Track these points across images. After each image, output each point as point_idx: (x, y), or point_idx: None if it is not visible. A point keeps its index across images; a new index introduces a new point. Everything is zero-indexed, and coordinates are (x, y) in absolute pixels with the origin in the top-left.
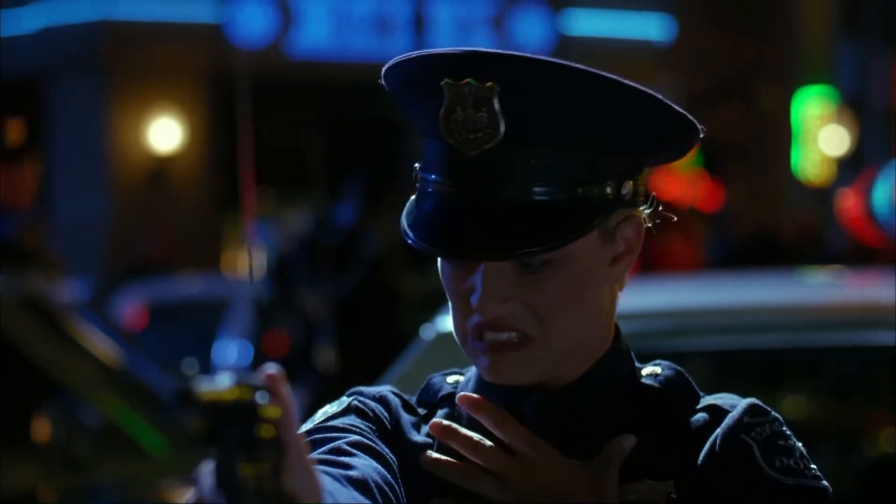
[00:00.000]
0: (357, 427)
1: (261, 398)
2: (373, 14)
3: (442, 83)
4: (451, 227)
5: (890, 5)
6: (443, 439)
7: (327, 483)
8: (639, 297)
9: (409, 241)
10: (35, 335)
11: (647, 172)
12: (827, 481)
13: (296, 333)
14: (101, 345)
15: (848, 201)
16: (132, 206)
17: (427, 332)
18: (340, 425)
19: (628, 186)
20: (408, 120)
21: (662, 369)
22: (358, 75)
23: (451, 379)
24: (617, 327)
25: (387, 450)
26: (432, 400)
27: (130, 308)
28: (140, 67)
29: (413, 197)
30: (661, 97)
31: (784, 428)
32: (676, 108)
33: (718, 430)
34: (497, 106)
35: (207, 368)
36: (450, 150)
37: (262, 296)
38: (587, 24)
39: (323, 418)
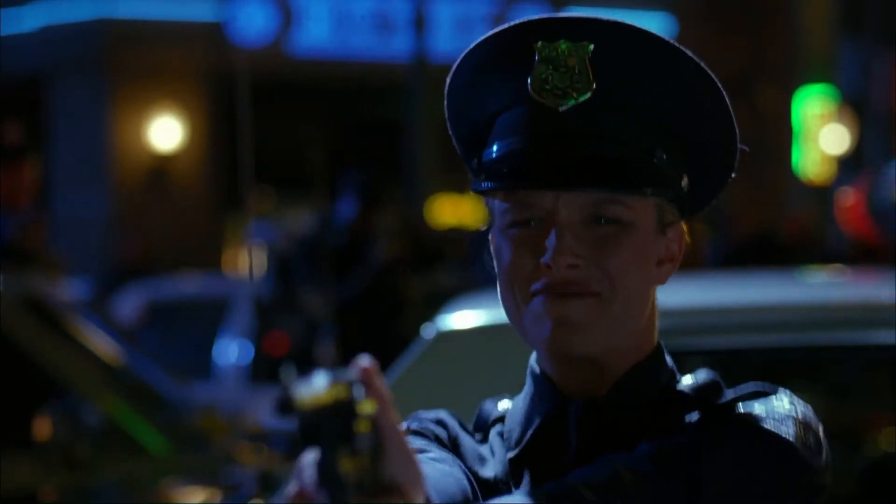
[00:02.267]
0: (416, 443)
1: (357, 393)
2: (373, 13)
3: (536, 45)
4: (530, 168)
5: (891, 5)
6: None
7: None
8: None
9: (489, 187)
10: (36, 335)
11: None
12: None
13: (296, 333)
14: (101, 344)
15: (848, 200)
16: (132, 205)
17: (428, 332)
18: None
19: (686, 183)
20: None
21: (698, 376)
22: (358, 74)
23: (501, 405)
24: (658, 340)
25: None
26: (484, 424)
27: (130, 307)
28: (140, 66)
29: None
30: (727, 99)
31: (781, 395)
32: (732, 114)
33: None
34: (589, 63)
35: (208, 368)
36: (537, 109)
37: (263, 295)
38: None
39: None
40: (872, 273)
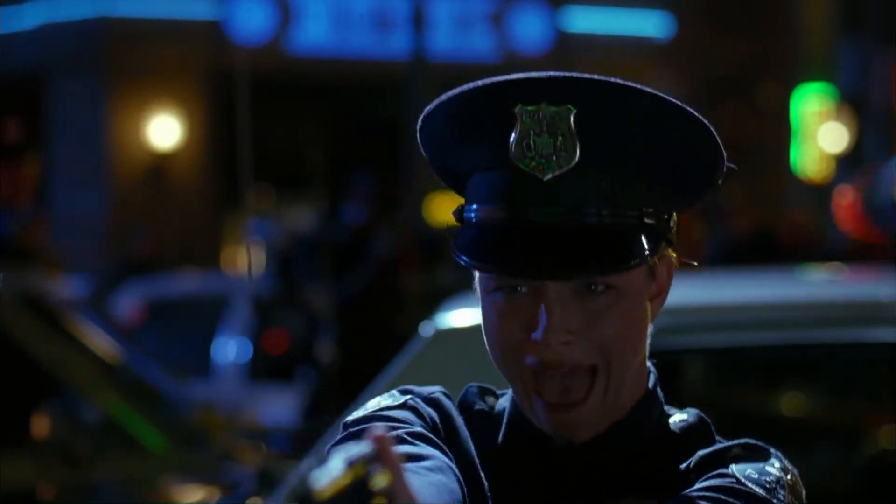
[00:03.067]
0: (414, 423)
1: (372, 468)
2: (372, 11)
3: (515, 109)
4: (518, 250)
5: (890, 4)
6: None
7: (419, 488)
8: None
9: (470, 265)
10: (35, 333)
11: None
12: (826, 478)
13: (295, 331)
14: (100, 342)
15: (846, 198)
16: (132, 203)
17: (426, 330)
18: (398, 416)
19: (675, 220)
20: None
21: (688, 417)
22: (357, 72)
23: (487, 399)
24: (649, 370)
25: (445, 447)
26: (469, 410)
27: (129, 305)
28: (139, 64)
29: (460, 231)
30: (714, 131)
31: (772, 460)
32: (720, 143)
33: (703, 451)
34: (573, 128)
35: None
36: (519, 177)
37: (262, 293)
38: (586, 20)
39: (377, 408)
40: (870, 271)
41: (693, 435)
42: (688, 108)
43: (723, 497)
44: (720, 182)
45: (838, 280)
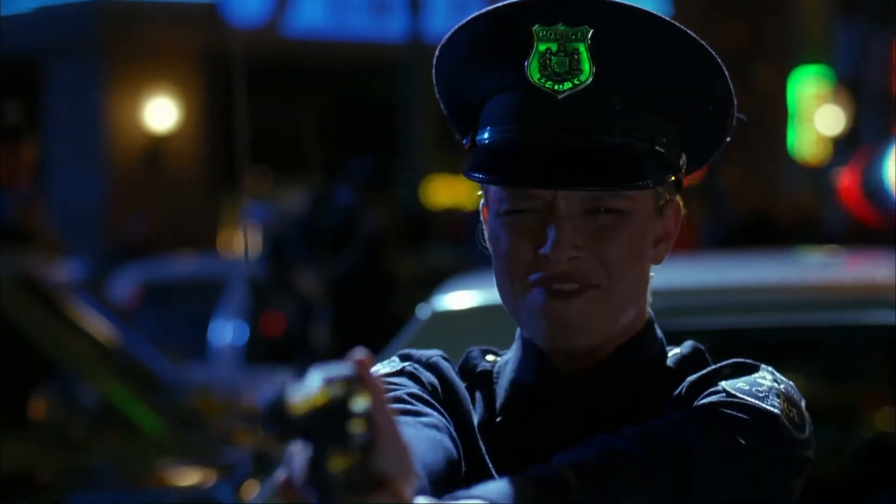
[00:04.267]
0: (411, 387)
1: (351, 389)
2: None
3: (533, 28)
4: (531, 164)
5: None
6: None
7: (412, 438)
8: None
9: (482, 179)
10: (32, 315)
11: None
12: (823, 461)
13: (292, 314)
14: (97, 325)
15: (844, 180)
16: (128, 185)
17: (423, 312)
18: (396, 381)
19: (684, 161)
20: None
21: (682, 349)
22: (354, 55)
23: (489, 357)
24: (649, 313)
25: (443, 411)
26: (470, 374)
27: (126, 288)
28: (136, 47)
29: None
30: (728, 76)
31: (763, 373)
32: (732, 89)
33: (693, 376)
34: (588, 48)
35: (204, 348)
36: (535, 95)
37: (258, 276)
38: None
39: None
40: (868, 253)
41: (687, 365)
42: (703, 43)
43: (716, 410)
44: (729, 135)
45: (836, 262)
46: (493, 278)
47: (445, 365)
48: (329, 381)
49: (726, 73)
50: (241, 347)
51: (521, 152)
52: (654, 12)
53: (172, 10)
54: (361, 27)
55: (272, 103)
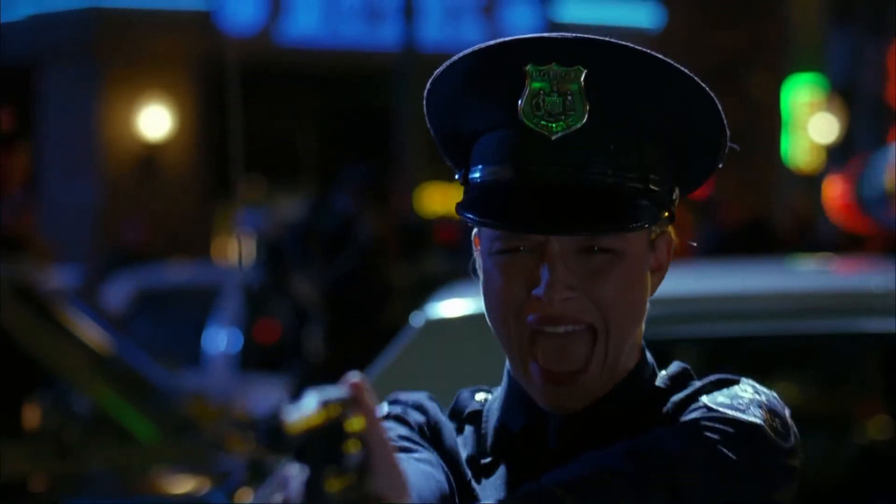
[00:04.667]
0: (400, 429)
1: (346, 411)
2: (363, 1)
3: (526, 68)
4: (524, 206)
5: None
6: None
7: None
8: None
9: (474, 222)
10: (25, 322)
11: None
12: (816, 468)
13: (286, 320)
14: (91, 332)
15: (835, 189)
16: (122, 193)
17: (417, 320)
18: (386, 426)
19: (676, 193)
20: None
21: (670, 369)
22: (348, 63)
23: (478, 396)
24: (642, 344)
25: (432, 449)
26: (460, 415)
27: (120, 295)
28: (130, 54)
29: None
30: (720, 106)
31: (743, 386)
32: (724, 120)
33: (677, 396)
34: (582, 88)
35: (198, 356)
36: (528, 135)
37: (253, 283)
38: (577, 11)
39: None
40: (860, 262)
41: (674, 385)
42: (696, 79)
43: (698, 424)
44: (721, 163)
45: (829, 270)
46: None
47: (431, 405)
48: (325, 403)
49: (719, 106)
50: (235, 355)
51: (513, 193)
52: (648, 50)
53: (166, 17)
54: (355, 35)
55: (266, 111)
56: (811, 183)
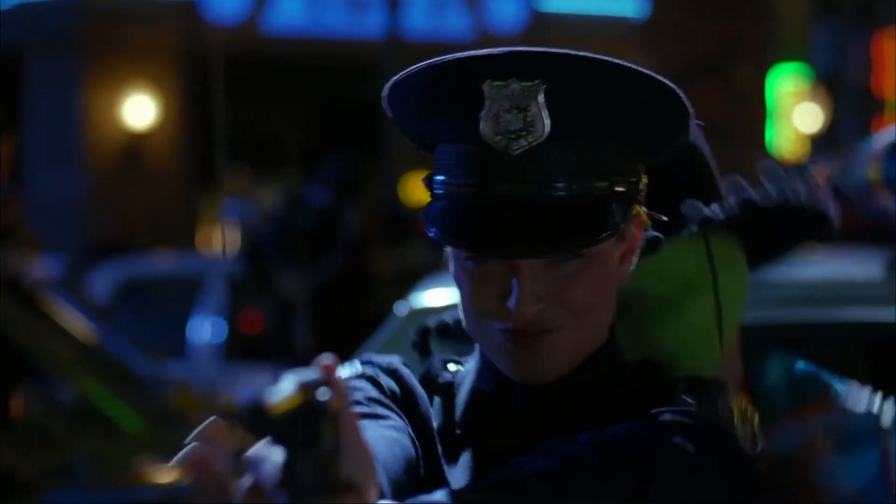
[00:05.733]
0: (370, 391)
1: (321, 393)
2: None
3: (483, 85)
4: (487, 227)
5: None
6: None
7: (371, 438)
8: None
9: (440, 239)
10: (11, 313)
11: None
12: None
13: (269, 312)
14: (76, 323)
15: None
16: (106, 183)
17: (401, 309)
18: (356, 385)
19: (644, 182)
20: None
21: (643, 359)
22: (332, 52)
23: (450, 366)
24: (613, 320)
25: (402, 414)
26: (430, 384)
27: (104, 285)
28: (115, 44)
29: (429, 203)
30: (680, 92)
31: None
32: (688, 104)
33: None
34: (542, 103)
35: (182, 346)
36: (489, 152)
37: (237, 273)
38: (562, 1)
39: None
40: (842, 251)
41: (646, 375)
42: (653, 75)
43: (671, 423)
44: (684, 136)
45: (810, 260)
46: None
47: (405, 371)
48: (302, 385)
49: (679, 93)
50: (219, 345)
51: (478, 211)
52: (604, 57)
53: (151, 7)
54: (340, 24)
55: (251, 101)
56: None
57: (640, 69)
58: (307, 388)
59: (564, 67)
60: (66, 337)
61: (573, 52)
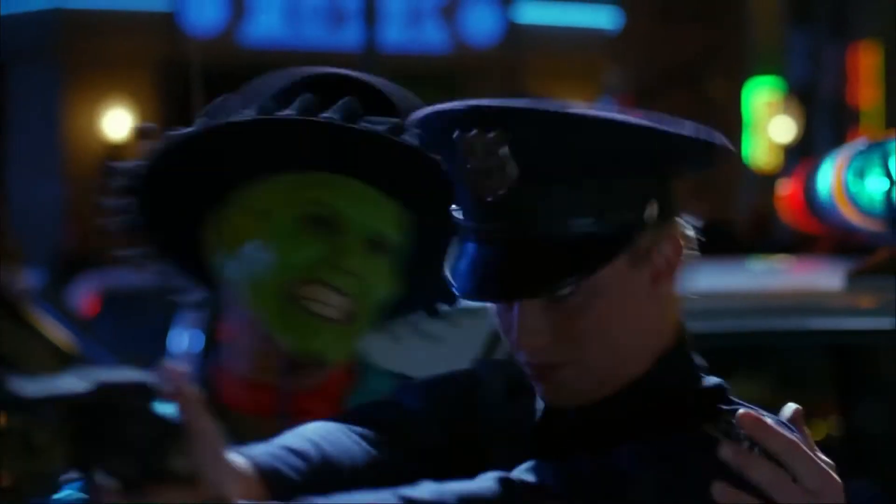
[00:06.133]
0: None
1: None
2: (324, 3)
3: (454, 135)
4: (480, 271)
5: None
6: (753, 432)
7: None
8: None
9: (455, 290)
10: None
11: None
12: None
13: None
14: (58, 333)
15: (788, 189)
16: (85, 194)
17: None
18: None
19: (653, 208)
20: None
21: (707, 382)
22: (310, 64)
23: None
24: (680, 347)
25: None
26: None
27: (84, 295)
28: (94, 56)
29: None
30: (661, 126)
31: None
32: (681, 132)
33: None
34: (506, 153)
35: (163, 356)
36: (472, 195)
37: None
38: (537, 13)
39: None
40: (813, 262)
41: (703, 399)
42: (622, 119)
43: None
44: (712, 149)
45: (781, 271)
46: None
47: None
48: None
49: (651, 127)
50: (198, 355)
51: (467, 254)
52: (566, 106)
53: (130, 19)
54: (317, 37)
55: None
56: (771, 183)
57: (602, 114)
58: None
59: (525, 119)
60: (50, 347)
61: (531, 106)
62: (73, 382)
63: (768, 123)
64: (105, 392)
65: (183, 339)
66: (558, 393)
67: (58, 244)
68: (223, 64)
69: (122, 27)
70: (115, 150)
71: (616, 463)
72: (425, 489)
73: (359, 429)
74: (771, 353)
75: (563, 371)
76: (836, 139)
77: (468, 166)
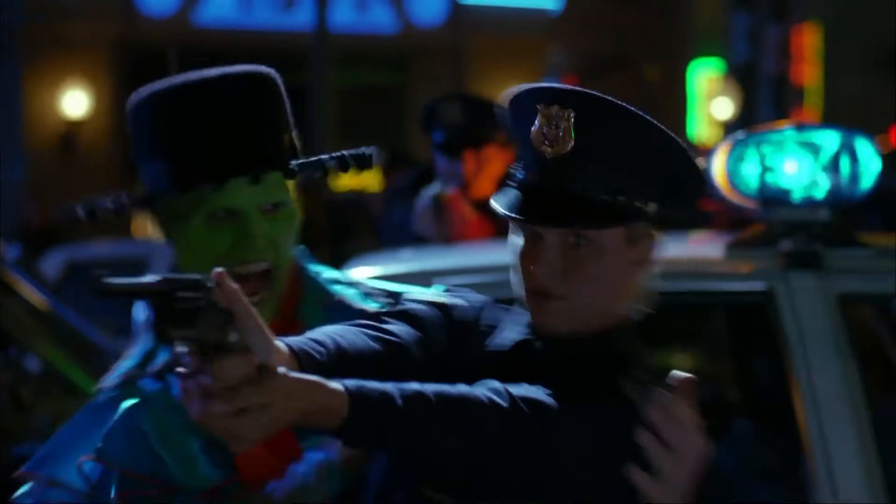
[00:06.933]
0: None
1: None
2: None
3: (538, 106)
4: (530, 205)
5: None
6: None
7: (332, 335)
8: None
9: (501, 213)
10: None
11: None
12: None
13: None
14: (36, 297)
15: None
16: (45, 169)
17: None
18: (409, 301)
19: (653, 208)
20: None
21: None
22: (262, 44)
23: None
24: (631, 317)
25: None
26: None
27: (52, 267)
28: (51, 36)
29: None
30: (685, 146)
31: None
32: (695, 161)
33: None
34: (571, 125)
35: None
36: (534, 154)
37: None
38: None
39: (425, 296)
40: (708, 236)
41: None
42: (665, 129)
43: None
44: (698, 193)
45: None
46: (400, 254)
47: (464, 306)
48: (169, 280)
49: (686, 149)
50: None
51: (525, 196)
52: (624, 104)
53: (86, 1)
54: (269, 17)
55: None
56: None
57: (654, 122)
58: (172, 282)
59: (590, 103)
60: (31, 309)
61: (600, 95)
62: (148, 278)
63: (711, 102)
64: (169, 284)
65: (146, 311)
66: (547, 318)
67: (21, 221)
68: (177, 43)
69: (79, 9)
70: (73, 129)
71: (559, 398)
72: (490, 385)
73: (371, 332)
74: (667, 310)
75: (558, 302)
76: (779, 115)
77: (543, 130)
